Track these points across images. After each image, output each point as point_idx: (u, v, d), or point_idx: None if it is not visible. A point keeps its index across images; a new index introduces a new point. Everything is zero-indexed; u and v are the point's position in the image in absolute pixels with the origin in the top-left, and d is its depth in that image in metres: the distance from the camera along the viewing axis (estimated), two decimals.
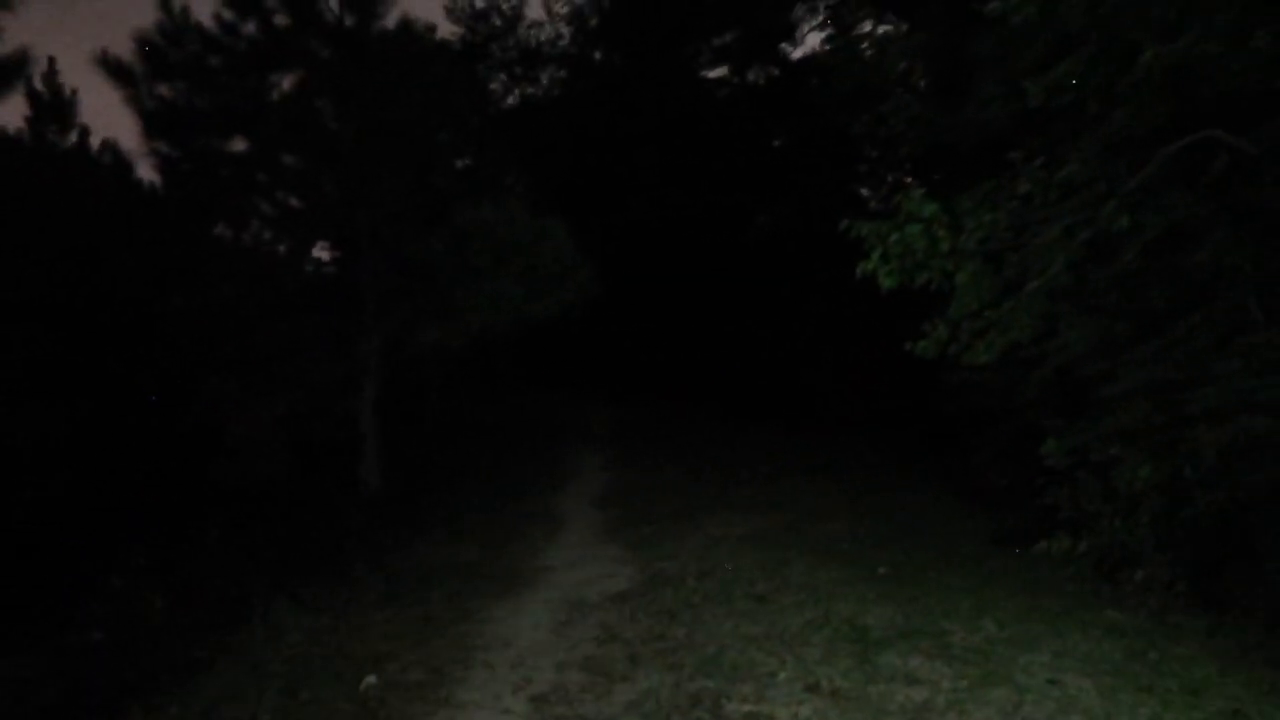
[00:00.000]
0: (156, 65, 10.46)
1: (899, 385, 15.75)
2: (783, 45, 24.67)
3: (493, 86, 29.38)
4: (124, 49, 10.60)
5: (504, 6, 29.03)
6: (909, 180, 20.37)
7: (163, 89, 10.70)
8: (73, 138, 13.99)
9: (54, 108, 13.84)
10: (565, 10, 28.15)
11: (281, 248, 12.40)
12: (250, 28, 11.33)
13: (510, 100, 29.84)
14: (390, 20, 11.86)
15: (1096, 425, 7.55)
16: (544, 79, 30.25)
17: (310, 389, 10.75)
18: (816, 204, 25.81)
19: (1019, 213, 6.33)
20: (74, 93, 13.81)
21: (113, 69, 10.29)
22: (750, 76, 25.80)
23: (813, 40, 23.51)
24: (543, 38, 29.27)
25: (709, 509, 11.17)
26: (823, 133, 23.28)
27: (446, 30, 27.87)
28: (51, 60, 13.78)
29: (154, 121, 10.95)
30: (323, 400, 11.01)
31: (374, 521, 9.86)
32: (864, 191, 25.00)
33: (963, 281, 6.20)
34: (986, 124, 7.72)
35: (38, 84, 13.59)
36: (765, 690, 5.31)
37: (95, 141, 14.20)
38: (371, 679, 5.46)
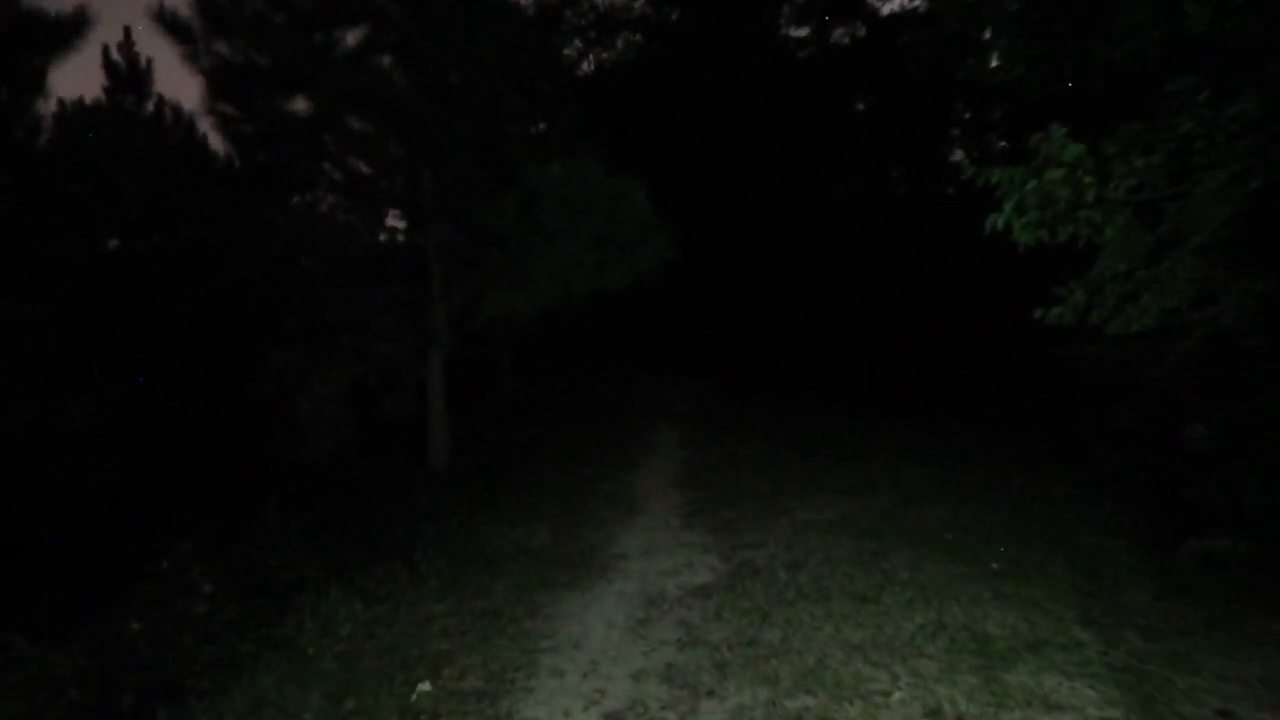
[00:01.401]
0: (214, 21, 9.99)
1: (994, 358, 14.71)
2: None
3: (566, 52, 28.74)
4: (182, 3, 10.13)
5: None
6: (1013, 139, 19.18)
7: (221, 46, 10.23)
8: (149, 108, 13.87)
9: (130, 77, 13.71)
10: None
11: (348, 215, 11.90)
12: None
13: (585, 67, 29.10)
14: None
15: (1255, 406, 6.55)
16: (619, 44, 29.43)
17: (376, 361, 10.27)
18: (903, 170, 24.71)
19: (1177, 156, 5.36)
20: (149, 62, 13.67)
21: (169, 24, 9.85)
22: (834, 36, 24.61)
23: None
24: (618, 2, 28.41)
25: (794, 491, 10.39)
26: (911, 94, 22.17)
27: None
28: (127, 30, 13.67)
29: (215, 81, 10.52)
30: (389, 373, 10.53)
31: (440, 500, 9.32)
32: (956, 156, 23.81)
33: (1111, 237, 5.27)
34: (1134, 56, 6.70)
35: (114, 54, 13.52)
36: (878, 713, 4.55)
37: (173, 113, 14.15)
38: (425, 686, 4.87)
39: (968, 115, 23.68)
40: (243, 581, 6.66)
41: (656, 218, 9.54)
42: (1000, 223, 5.23)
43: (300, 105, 11.43)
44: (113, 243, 11.49)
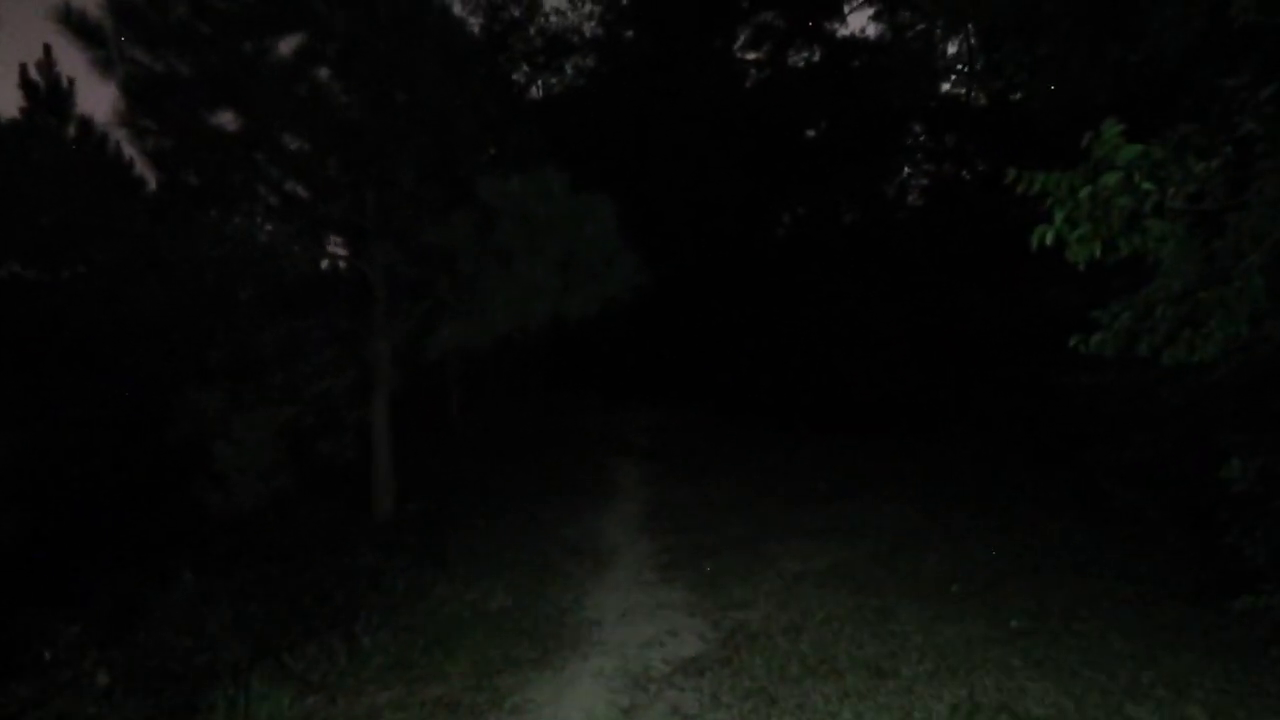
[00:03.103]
0: (129, 24, 8.94)
1: (981, 386, 14.07)
2: (827, 24, 23.18)
3: (514, 77, 28.04)
4: (93, 3, 9.07)
5: None
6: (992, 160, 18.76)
7: (138, 52, 9.18)
8: (71, 130, 12.82)
9: (50, 98, 12.71)
10: None
11: (285, 240, 10.85)
12: None
13: (534, 93, 28.39)
14: None
15: None
16: (568, 69, 28.78)
17: (311, 399, 9.21)
18: (855, 194, 24.28)
19: (1238, 161, 4.64)
20: (71, 82, 12.70)
21: (77, 25, 8.78)
22: (791, 58, 24.21)
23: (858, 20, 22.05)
24: (566, 25, 27.79)
25: (776, 537, 9.53)
26: (866, 116, 21.81)
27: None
28: (48, 48, 12.72)
29: (132, 92, 9.46)
30: (326, 412, 9.47)
31: (385, 556, 8.27)
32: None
33: (1169, 252, 4.52)
34: (1155, 56, 6.04)
35: (33, 72, 12.54)
36: None
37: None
38: None
39: (923, 139, 23.50)
40: (147, 670, 5.56)
41: (623, 239, 8.67)
42: (1050, 237, 4.43)
43: (228, 120, 10.43)
44: (13, 268, 10.27)
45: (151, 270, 10.27)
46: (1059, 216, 4.38)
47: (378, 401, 10.27)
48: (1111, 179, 4.30)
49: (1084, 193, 4.29)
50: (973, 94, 21.04)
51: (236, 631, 6.26)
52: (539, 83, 28.79)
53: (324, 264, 12.25)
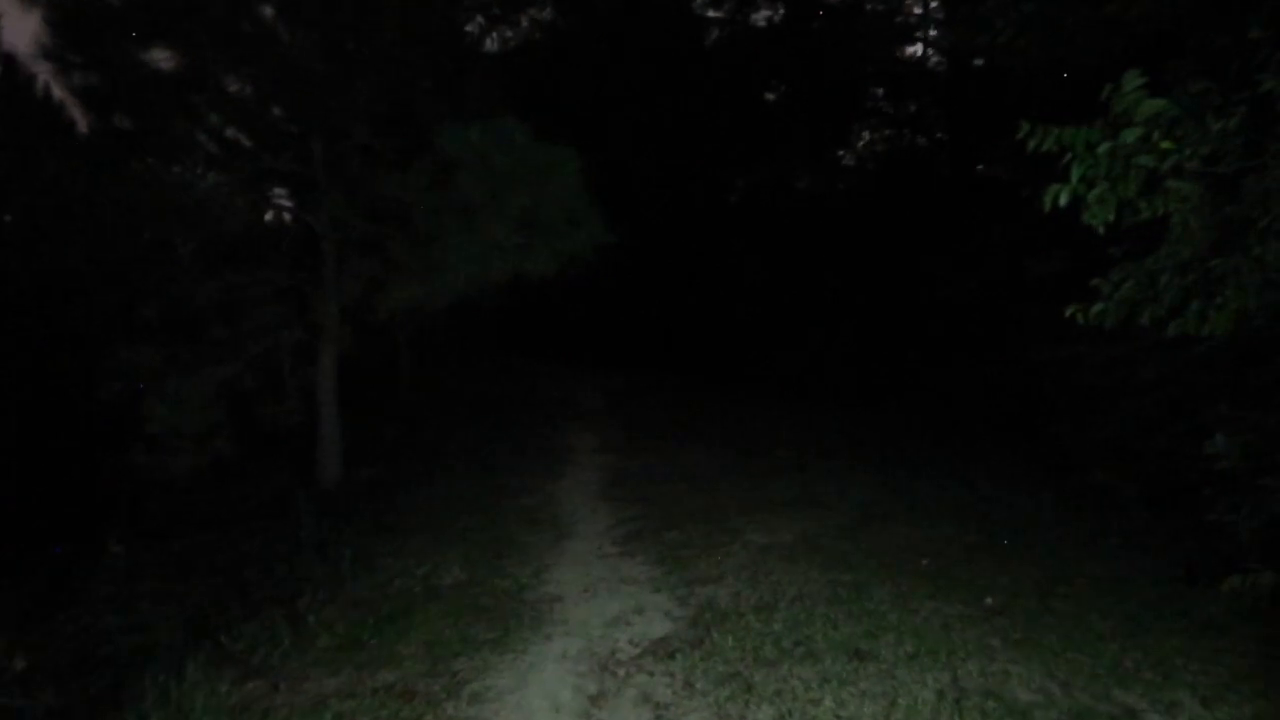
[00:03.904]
0: None
1: (941, 358, 13.94)
2: None
3: (468, 29, 27.04)
4: None
5: None
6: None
7: None
8: None
9: None
10: None
11: (221, 188, 10.19)
12: None
13: (489, 45, 27.43)
14: None
15: None
16: (524, 21, 27.85)
17: (253, 359, 8.66)
18: (812, 159, 23.99)
19: (1257, 121, 4.37)
20: None
21: None
22: (752, 18, 23.74)
23: None
24: None
25: (740, 507, 9.26)
26: (826, 80, 21.49)
27: None
28: None
29: (55, 22, 8.73)
30: (270, 373, 8.94)
31: (332, 526, 7.83)
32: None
33: (1182, 217, 4.24)
34: (1153, 13, 5.75)
35: None
36: None
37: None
38: None
39: (883, 105, 23.26)
40: (71, 654, 5.09)
41: (589, 196, 8.23)
42: (1065, 197, 4.12)
43: (163, 59, 9.71)
44: None
45: (81, 220, 9.61)
46: (1075, 174, 4.06)
47: (325, 362, 9.75)
48: (1131, 135, 4.00)
49: (1103, 149, 3.98)
50: (935, 59, 20.83)
51: (170, 609, 5.81)
52: (493, 35, 27.87)
53: (269, 217, 11.61)
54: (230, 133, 10.38)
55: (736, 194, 24.42)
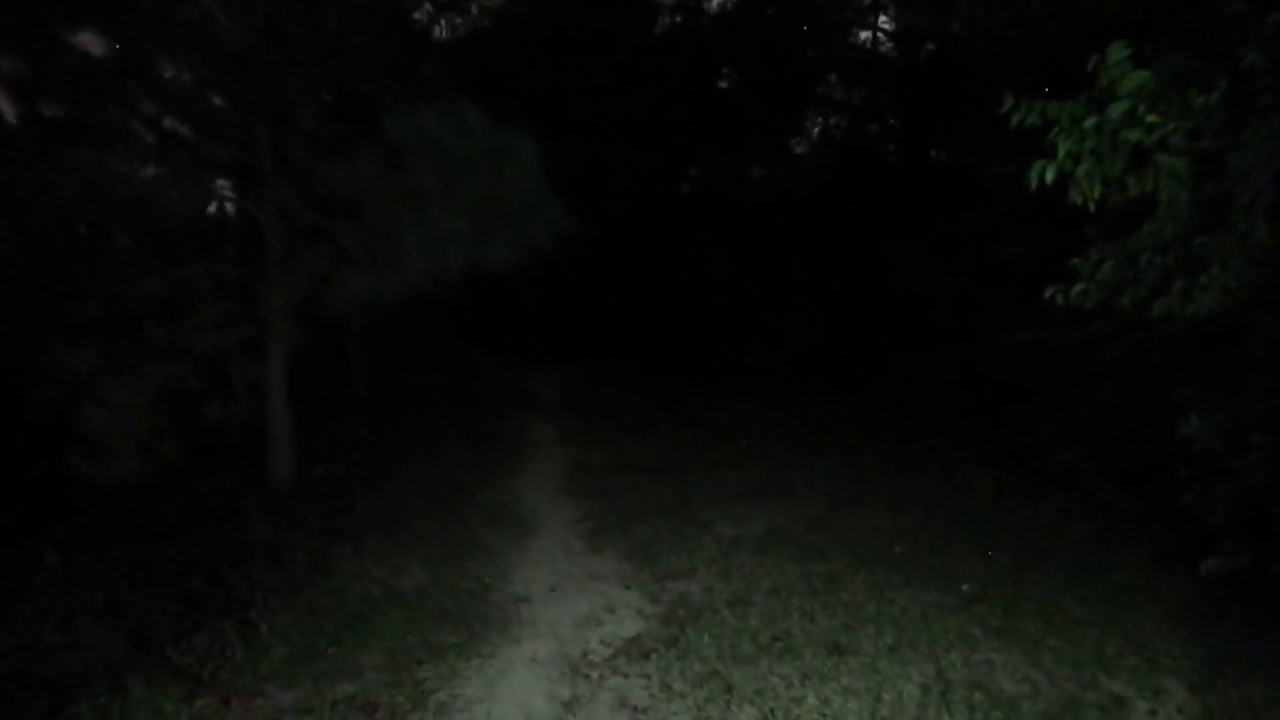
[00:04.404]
0: None
1: (903, 344, 13.90)
2: None
3: (415, 17, 26.52)
4: None
5: None
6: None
7: None
8: None
9: None
10: None
11: (160, 179, 9.74)
12: None
13: (438, 33, 26.93)
14: None
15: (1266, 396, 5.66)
16: (473, 8, 27.38)
17: (198, 358, 8.27)
18: (765, 149, 23.88)
19: (1238, 96, 4.27)
20: None
21: None
22: (706, 3, 23.57)
23: None
24: None
25: (704, 499, 9.11)
26: (779, 68, 21.40)
27: None
28: None
29: None
30: (215, 372, 8.55)
31: (286, 529, 7.49)
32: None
33: (1171, 193, 4.12)
34: None
35: None
36: None
37: None
38: None
39: (837, 94, 23.22)
40: (4, 675, 4.75)
41: (546, 182, 7.95)
42: (1050, 174, 3.97)
43: (92, 43, 9.24)
44: None
45: (11, 214, 9.11)
46: (1062, 150, 3.92)
47: (274, 359, 9.34)
48: (1118, 109, 3.86)
49: (1089, 123, 3.84)
50: (887, 45, 20.83)
51: (111, 623, 5.47)
52: (441, 22, 27.37)
53: (212, 208, 11.15)
54: (168, 122, 9.93)
55: (690, 184, 24.26)
